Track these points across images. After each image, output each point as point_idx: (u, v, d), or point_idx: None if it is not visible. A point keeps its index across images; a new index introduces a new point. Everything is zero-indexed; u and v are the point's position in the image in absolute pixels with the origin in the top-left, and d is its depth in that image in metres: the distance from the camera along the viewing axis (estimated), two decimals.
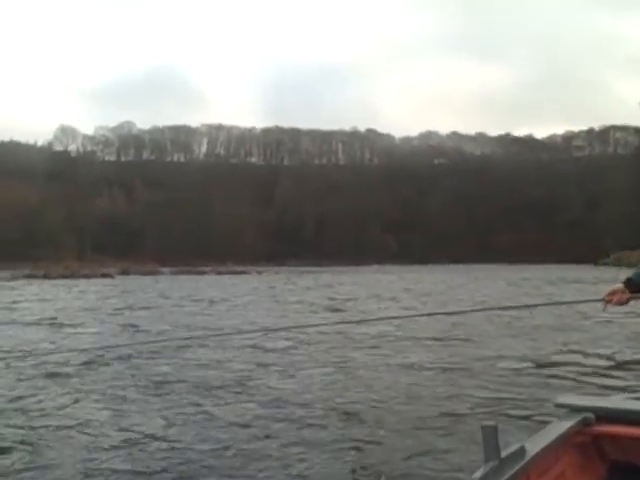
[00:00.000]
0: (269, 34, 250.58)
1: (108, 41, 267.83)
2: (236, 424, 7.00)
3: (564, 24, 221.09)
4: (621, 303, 3.27)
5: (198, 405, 7.91)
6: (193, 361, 11.34)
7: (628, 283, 3.29)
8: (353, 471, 5.51)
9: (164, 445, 6.28)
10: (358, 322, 17.63)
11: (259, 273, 71.21)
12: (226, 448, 6.16)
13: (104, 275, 60.51)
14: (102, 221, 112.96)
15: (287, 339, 13.81)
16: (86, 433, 6.74)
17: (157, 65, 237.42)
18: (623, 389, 7.70)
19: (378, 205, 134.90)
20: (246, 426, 6.94)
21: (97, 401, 8.28)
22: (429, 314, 20.75)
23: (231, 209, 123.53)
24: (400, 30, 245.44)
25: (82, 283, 48.01)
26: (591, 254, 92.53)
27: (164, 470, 5.58)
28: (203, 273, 70.42)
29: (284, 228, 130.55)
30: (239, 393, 8.63)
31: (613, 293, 3.30)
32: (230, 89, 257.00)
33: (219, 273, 71.35)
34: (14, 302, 26.64)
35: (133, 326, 17.36)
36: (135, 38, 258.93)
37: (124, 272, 67.64)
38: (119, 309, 23.28)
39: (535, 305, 19.52)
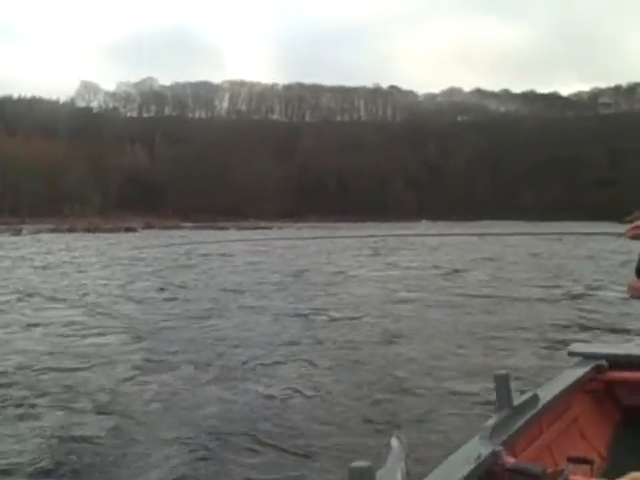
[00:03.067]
0: None
1: None
2: None
3: None
4: None
5: None
6: None
7: None
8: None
9: None
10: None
11: (280, 229, 71.44)
12: None
13: (128, 229, 61.05)
14: (125, 177, 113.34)
15: None
16: None
17: (178, 21, 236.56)
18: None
19: (400, 162, 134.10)
20: None
21: None
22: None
23: (252, 165, 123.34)
24: None
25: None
26: (616, 211, 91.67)
27: None
28: (225, 229, 70.70)
29: (305, 184, 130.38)
30: None
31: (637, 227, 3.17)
32: (251, 46, 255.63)
33: (240, 229, 71.62)
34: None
35: None
36: None
37: (148, 226, 68.18)
38: None
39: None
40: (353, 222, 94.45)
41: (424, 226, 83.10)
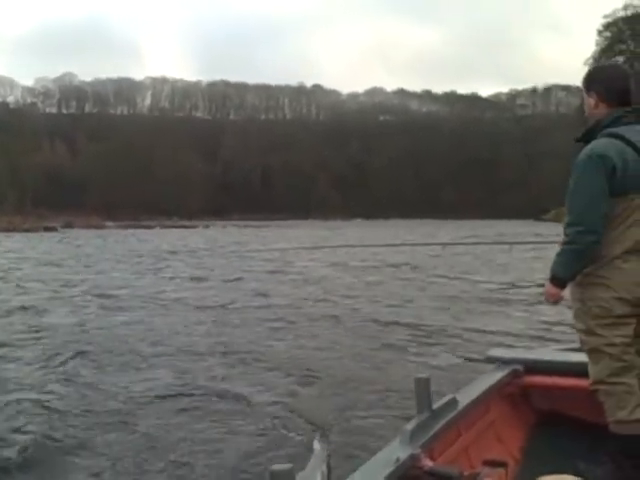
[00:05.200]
0: None
1: None
2: None
3: None
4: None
5: None
6: None
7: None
8: None
9: None
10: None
11: (206, 227, 70.92)
12: None
13: (47, 229, 59.51)
14: (44, 174, 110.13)
15: None
16: None
17: (98, 15, 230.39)
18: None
19: (324, 161, 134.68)
20: None
21: None
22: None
23: (176, 163, 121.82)
24: None
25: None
26: (532, 210, 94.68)
27: None
28: (150, 227, 69.70)
29: (230, 183, 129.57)
30: None
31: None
32: (174, 43, 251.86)
33: (166, 227, 70.78)
34: None
35: None
36: None
37: (68, 225, 66.59)
38: None
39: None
40: (278, 220, 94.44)
41: (357, 225, 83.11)
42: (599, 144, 2.93)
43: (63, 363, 7.38)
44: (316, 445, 2.05)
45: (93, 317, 10.88)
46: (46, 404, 5.91)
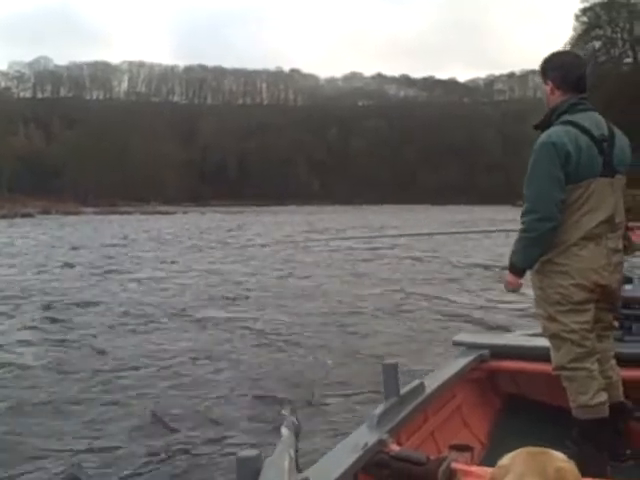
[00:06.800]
0: None
1: None
2: None
3: None
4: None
5: None
6: None
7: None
8: None
9: None
10: None
11: (185, 213, 70.56)
12: None
13: (24, 215, 58.86)
14: (18, 159, 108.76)
15: None
16: None
17: None
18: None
19: (302, 146, 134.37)
20: None
21: None
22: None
23: (153, 148, 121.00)
24: None
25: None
26: (508, 195, 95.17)
27: None
28: (128, 213, 69.13)
29: (207, 168, 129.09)
30: None
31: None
32: (150, 26, 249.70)
33: (144, 213, 70.23)
34: None
35: None
36: None
37: (45, 212, 65.91)
38: None
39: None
40: (255, 207, 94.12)
41: (345, 211, 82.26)
42: (553, 132, 2.94)
43: None
44: (284, 430, 2.03)
45: None
46: None
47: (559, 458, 1.47)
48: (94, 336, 8.33)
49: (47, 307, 10.56)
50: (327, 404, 5.51)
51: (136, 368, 6.75)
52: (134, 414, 5.36)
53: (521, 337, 4.37)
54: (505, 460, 1.53)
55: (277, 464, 1.88)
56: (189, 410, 5.44)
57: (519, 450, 1.53)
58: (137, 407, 5.54)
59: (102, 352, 7.46)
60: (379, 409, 2.72)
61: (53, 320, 9.43)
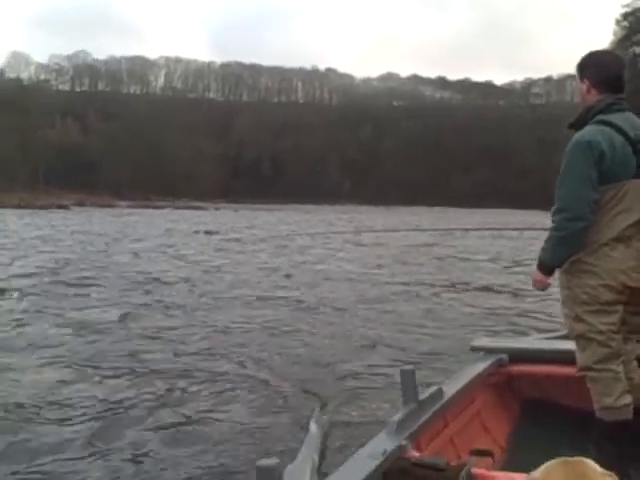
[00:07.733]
0: None
1: None
2: None
3: None
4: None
5: None
6: None
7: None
8: None
9: None
10: None
11: (216, 209, 70.94)
12: None
13: (60, 207, 59.62)
14: (55, 152, 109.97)
15: None
16: None
17: None
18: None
19: (336, 145, 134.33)
20: None
21: None
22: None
23: (188, 144, 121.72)
24: None
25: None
26: (543, 201, 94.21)
27: None
28: (161, 208, 69.61)
29: (241, 165, 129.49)
30: None
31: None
32: (189, 22, 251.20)
33: (178, 208, 70.69)
34: None
35: None
36: None
37: (80, 204, 66.74)
38: None
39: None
40: (288, 204, 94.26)
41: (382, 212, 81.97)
42: (588, 131, 2.92)
43: None
44: (312, 427, 2.01)
45: None
46: None
47: (601, 472, 1.40)
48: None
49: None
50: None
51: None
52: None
53: (539, 341, 4.39)
54: (538, 473, 1.51)
55: (298, 473, 1.88)
56: None
57: (553, 461, 1.49)
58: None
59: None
60: (398, 415, 2.71)
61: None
